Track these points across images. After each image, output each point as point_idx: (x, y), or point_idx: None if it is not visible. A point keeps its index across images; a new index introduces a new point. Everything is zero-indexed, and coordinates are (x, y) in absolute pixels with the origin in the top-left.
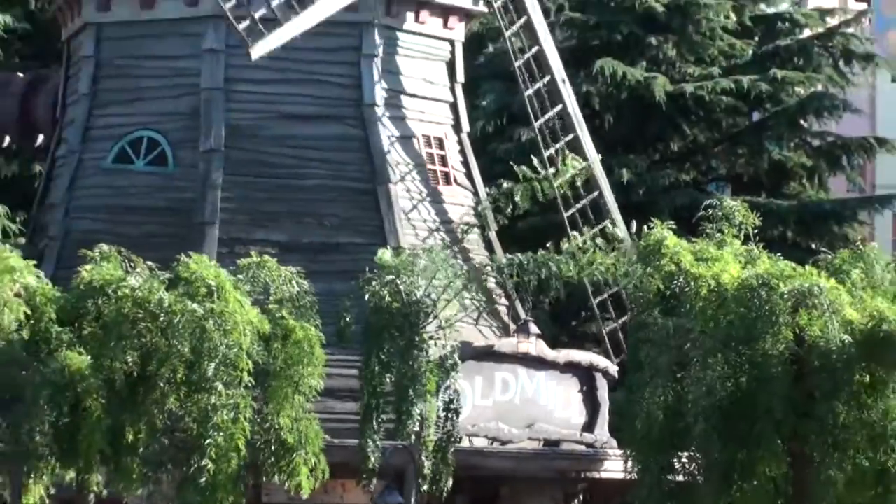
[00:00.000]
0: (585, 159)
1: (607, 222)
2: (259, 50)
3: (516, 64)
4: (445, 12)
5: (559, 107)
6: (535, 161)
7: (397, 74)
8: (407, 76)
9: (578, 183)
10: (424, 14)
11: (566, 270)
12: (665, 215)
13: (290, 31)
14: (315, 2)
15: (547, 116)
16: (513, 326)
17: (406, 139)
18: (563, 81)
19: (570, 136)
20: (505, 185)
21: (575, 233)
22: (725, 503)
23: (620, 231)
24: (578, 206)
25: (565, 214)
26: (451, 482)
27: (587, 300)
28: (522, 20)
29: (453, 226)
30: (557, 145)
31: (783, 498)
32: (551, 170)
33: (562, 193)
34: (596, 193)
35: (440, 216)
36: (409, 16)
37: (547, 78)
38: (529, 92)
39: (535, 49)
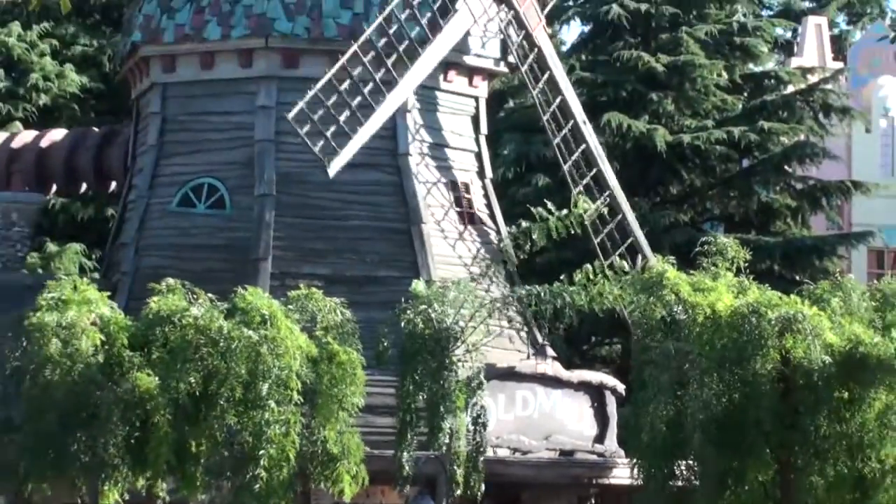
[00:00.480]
0: (609, 188)
1: (615, 257)
2: (335, 167)
3: (545, 117)
4: (471, 72)
5: (583, 146)
6: (550, 204)
7: (428, 127)
8: (437, 129)
9: (587, 222)
10: (452, 74)
11: (578, 300)
12: (666, 251)
13: (358, 142)
14: (377, 110)
15: (574, 157)
16: (532, 350)
17: (436, 184)
18: (584, 123)
19: (594, 171)
20: (524, 224)
21: (587, 265)
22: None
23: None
24: (605, 231)
25: (595, 240)
26: (483, 487)
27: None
28: (546, 76)
29: (478, 261)
30: (584, 181)
31: (771, 501)
32: (564, 211)
33: (574, 231)
34: (620, 216)
35: (467, 252)
36: (439, 76)
37: (570, 123)
38: (557, 140)
39: (558, 99)
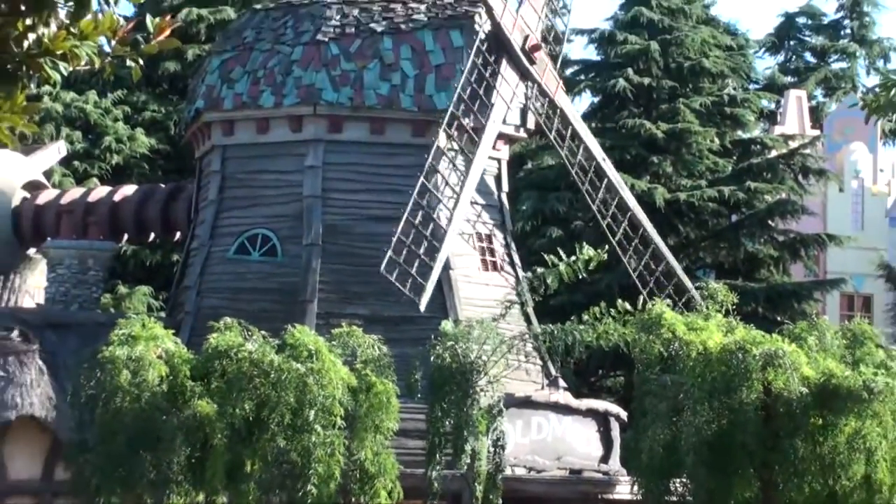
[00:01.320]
0: (628, 210)
1: (620, 302)
2: (424, 301)
3: (574, 169)
4: (495, 138)
5: (606, 180)
6: (561, 253)
7: (458, 185)
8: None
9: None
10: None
11: (586, 338)
12: (664, 295)
13: (437, 272)
14: (443, 241)
15: (601, 195)
16: (545, 381)
17: (462, 236)
18: (604, 160)
19: (617, 197)
20: (539, 271)
21: (595, 307)
22: None
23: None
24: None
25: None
26: (501, 503)
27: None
28: (570, 130)
29: (499, 303)
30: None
31: None
32: (573, 258)
33: (581, 276)
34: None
35: (489, 295)
36: (465, 142)
37: (594, 163)
38: (585, 185)
39: (582, 148)
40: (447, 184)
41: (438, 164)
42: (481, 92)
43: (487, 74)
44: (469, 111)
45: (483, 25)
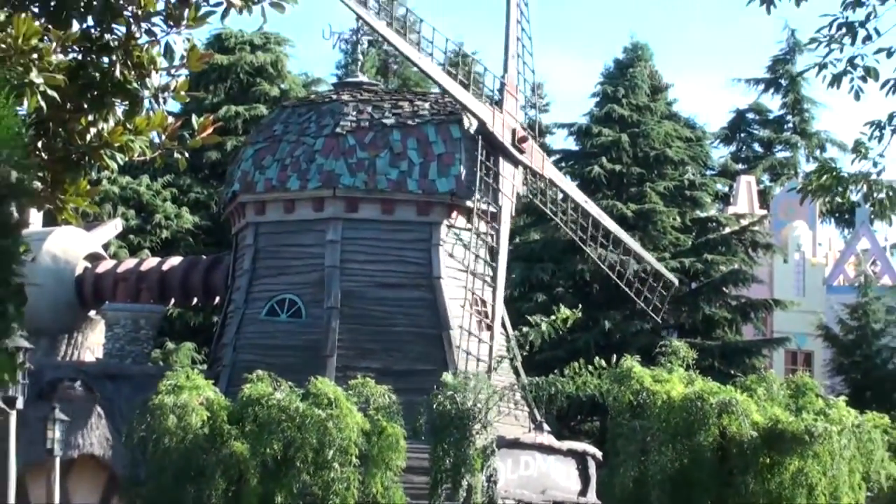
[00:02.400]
0: (619, 244)
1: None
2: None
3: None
4: (486, 216)
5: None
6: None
7: (455, 256)
8: (461, 258)
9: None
10: (473, 217)
11: (567, 388)
12: (633, 352)
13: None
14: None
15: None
16: (532, 425)
17: (460, 300)
18: (586, 202)
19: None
20: (525, 330)
21: (574, 362)
22: None
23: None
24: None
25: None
26: None
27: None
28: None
29: (492, 358)
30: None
31: None
32: (552, 317)
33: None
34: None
35: (484, 351)
36: (463, 219)
37: (578, 208)
38: (588, 242)
39: (578, 207)
40: (451, 255)
41: (445, 239)
42: (490, 181)
43: (489, 167)
44: (472, 195)
45: (473, 124)
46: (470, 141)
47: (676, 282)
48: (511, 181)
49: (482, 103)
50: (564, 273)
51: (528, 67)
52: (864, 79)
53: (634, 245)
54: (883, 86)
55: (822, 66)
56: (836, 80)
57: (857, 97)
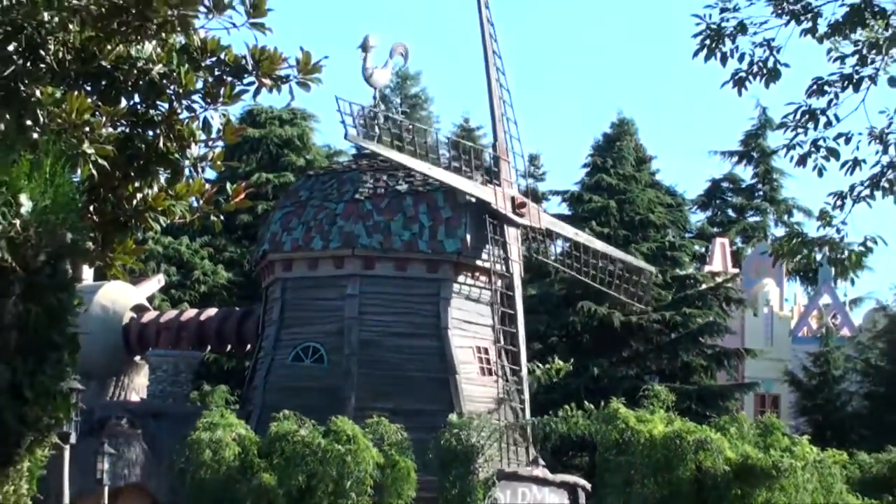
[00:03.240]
0: (612, 259)
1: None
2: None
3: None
4: (488, 273)
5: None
6: (539, 364)
7: (460, 309)
8: (465, 310)
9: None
10: (477, 274)
11: (561, 428)
12: (619, 395)
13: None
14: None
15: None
16: (529, 460)
17: (465, 348)
18: (576, 233)
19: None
20: (523, 376)
21: (566, 405)
22: None
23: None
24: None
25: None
26: None
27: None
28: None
29: (493, 400)
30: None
31: None
32: (547, 366)
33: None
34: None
35: (486, 394)
36: (467, 276)
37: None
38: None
39: (581, 248)
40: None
41: (451, 294)
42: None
43: (497, 238)
44: (477, 255)
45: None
46: (475, 206)
47: (654, 269)
48: (517, 245)
49: (483, 186)
50: (558, 324)
51: (515, 128)
52: (826, 158)
53: (627, 257)
54: (842, 166)
55: (790, 148)
56: (802, 160)
57: (821, 174)
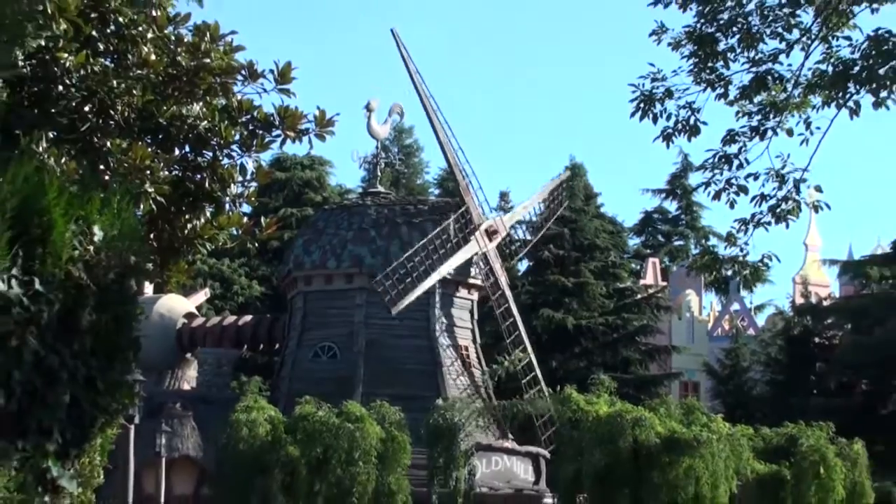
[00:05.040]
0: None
1: (544, 387)
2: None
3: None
4: (468, 287)
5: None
6: (507, 357)
7: (447, 315)
8: (451, 316)
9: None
10: (461, 288)
11: (525, 409)
12: (572, 383)
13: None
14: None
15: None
16: (499, 434)
17: (450, 347)
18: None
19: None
20: (495, 367)
21: (532, 391)
22: None
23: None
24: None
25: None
26: None
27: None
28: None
29: (471, 387)
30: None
31: None
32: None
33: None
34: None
35: (466, 383)
36: (454, 289)
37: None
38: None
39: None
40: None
41: (438, 303)
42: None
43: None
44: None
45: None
46: (457, 232)
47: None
48: (498, 262)
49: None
50: (525, 326)
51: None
52: (737, 194)
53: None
54: (751, 200)
55: (708, 185)
56: (717, 195)
57: (732, 207)
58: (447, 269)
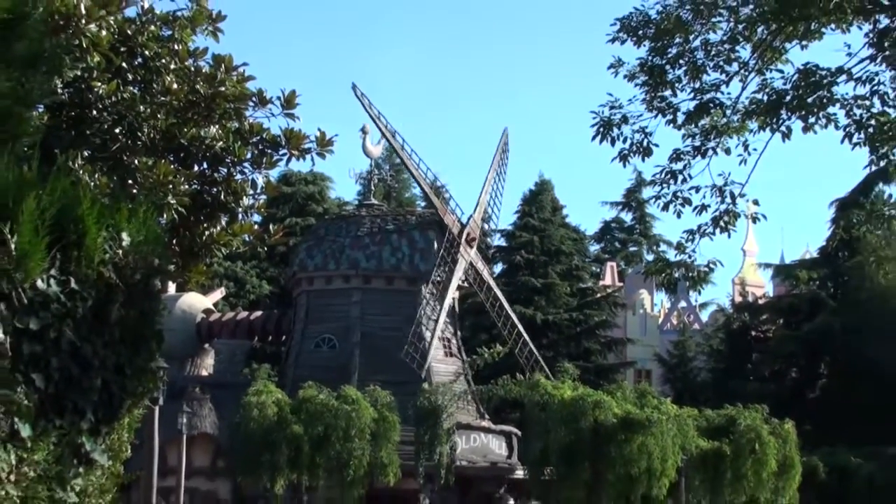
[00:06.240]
0: (517, 325)
1: (518, 377)
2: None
3: (487, 303)
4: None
5: (504, 309)
6: (487, 349)
7: (431, 311)
8: (435, 312)
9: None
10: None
11: (500, 393)
12: (540, 370)
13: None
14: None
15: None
16: (478, 415)
17: (435, 338)
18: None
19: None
20: (474, 357)
21: (505, 376)
22: (566, 487)
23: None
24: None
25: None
26: (453, 480)
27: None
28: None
29: (454, 374)
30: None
31: (589, 488)
32: (491, 350)
33: (496, 360)
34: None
35: (449, 370)
36: (438, 289)
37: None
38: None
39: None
40: (424, 312)
41: (423, 301)
42: (449, 263)
43: (450, 258)
44: (441, 274)
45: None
46: (440, 240)
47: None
48: (465, 263)
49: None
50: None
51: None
52: (682, 205)
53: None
54: (694, 209)
55: (657, 198)
56: (665, 206)
57: (679, 216)
58: (448, 301)
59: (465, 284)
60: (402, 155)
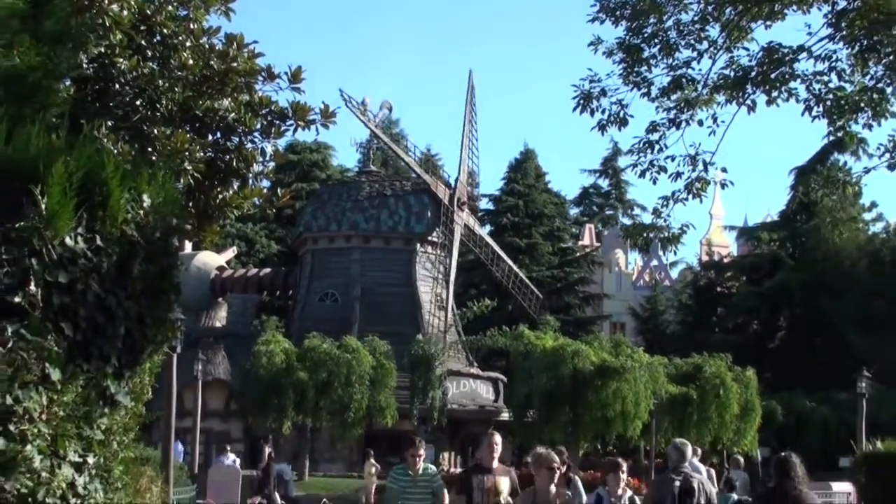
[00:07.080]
0: (508, 263)
1: (504, 328)
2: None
3: (482, 255)
4: (443, 246)
5: (501, 260)
6: (477, 303)
7: (424, 268)
8: (427, 269)
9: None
10: (438, 248)
11: (487, 343)
12: (524, 322)
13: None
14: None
15: (497, 268)
16: (468, 363)
17: (427, 293)
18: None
19: (505, 265)
20: (465, 310)
21: (492, 329)
22: (548, 429)
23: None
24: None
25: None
26: (445, 421)
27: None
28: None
29: (446, 326)
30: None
31: (569, 427)
32: (480, 304)
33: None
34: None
35: (441, 322)
36: (428, 248)
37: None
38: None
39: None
40: (426, 270)
41: (420, 260)
42: (446, 225)
43: (445, 227)
44: (438, 236)
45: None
46: (433, 204)
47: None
48: (460, 227)
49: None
50: (487, 279)
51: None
52: (658, 172)
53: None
54: (669, 176)
55: (634, 165)
56: (642, 174)
57: (654, 183)
58: (454, 265)
59: (463, 249)
60: (397, 149)
